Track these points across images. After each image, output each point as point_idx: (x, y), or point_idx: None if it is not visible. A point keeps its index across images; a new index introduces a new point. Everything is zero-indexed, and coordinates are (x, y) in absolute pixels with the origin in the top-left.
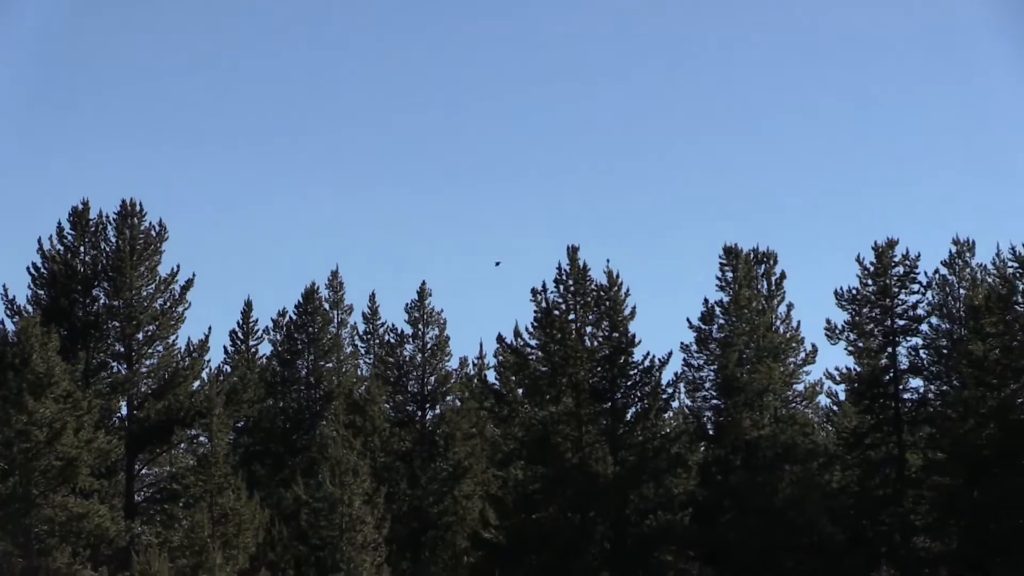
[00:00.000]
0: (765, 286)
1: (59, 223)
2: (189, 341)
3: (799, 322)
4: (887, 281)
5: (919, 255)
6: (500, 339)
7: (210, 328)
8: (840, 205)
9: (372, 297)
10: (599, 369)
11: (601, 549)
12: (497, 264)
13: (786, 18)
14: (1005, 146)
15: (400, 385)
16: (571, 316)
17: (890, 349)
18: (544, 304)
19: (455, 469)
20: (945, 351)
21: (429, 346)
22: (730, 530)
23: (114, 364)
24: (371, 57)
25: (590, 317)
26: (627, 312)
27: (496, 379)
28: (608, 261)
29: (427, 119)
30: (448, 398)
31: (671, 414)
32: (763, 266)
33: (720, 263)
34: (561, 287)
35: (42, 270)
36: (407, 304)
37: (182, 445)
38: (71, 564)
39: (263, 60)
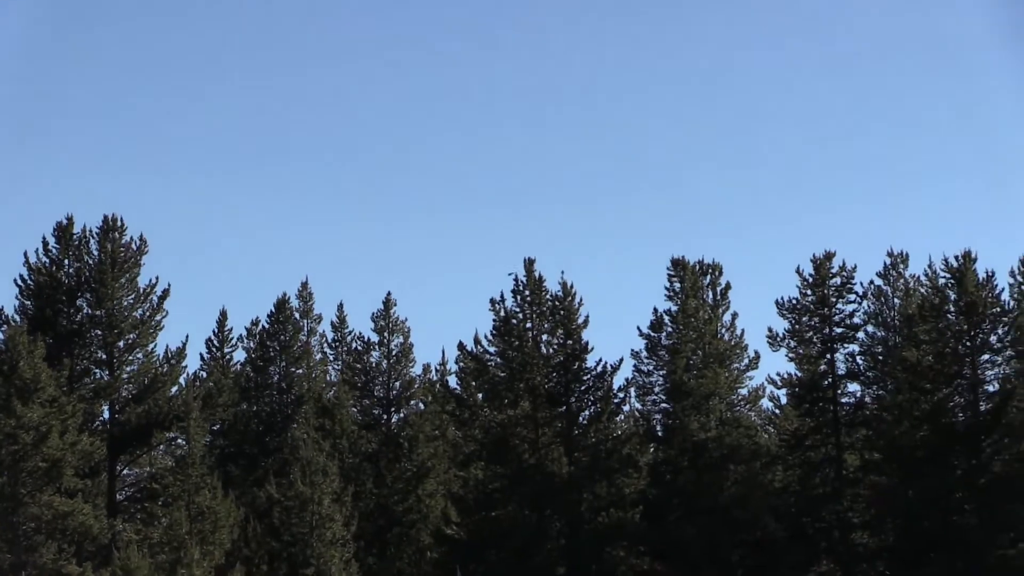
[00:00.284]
0: (711, 296)
1: (44, 237)
2: (167, 349)
3: (743, 330)
4: (825, 291)
5: (855, 267)
6: (461, 346)
7: (187, 336)
8: (781, 220)
9: (340, 307)
10: (554, 375)
11: (557, 545)
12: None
13: (727, 36)
14: (936, 161)
15: (367, 390)
16: (528, 325)
17: (828, 356)
18: (502, 313)
19: (419, 469)
20: (880, 357)
21: (394, 353)
22: (679, 527)
23: (97, 370)
24: (337, 74)
25: (546, 326)
26: (580, 321)
27: (457, 384)
28: (563, 273)
29: (390, 135)
30: (412, 402)
31: (622, 417)
32: (709, 277)
33: (668, 274)
34: (518, 297)
35: (28, 282)
36: (373, 313)
37: (161, 447)
38: (56, 560)
39: (234, 80)
